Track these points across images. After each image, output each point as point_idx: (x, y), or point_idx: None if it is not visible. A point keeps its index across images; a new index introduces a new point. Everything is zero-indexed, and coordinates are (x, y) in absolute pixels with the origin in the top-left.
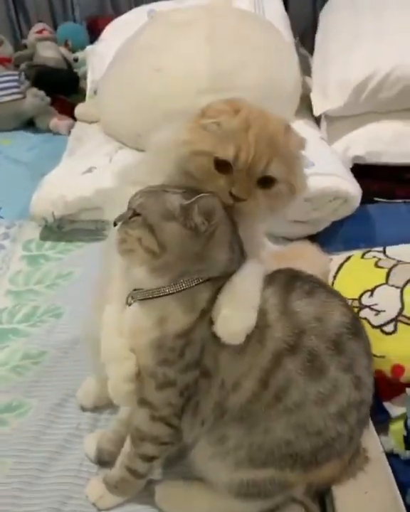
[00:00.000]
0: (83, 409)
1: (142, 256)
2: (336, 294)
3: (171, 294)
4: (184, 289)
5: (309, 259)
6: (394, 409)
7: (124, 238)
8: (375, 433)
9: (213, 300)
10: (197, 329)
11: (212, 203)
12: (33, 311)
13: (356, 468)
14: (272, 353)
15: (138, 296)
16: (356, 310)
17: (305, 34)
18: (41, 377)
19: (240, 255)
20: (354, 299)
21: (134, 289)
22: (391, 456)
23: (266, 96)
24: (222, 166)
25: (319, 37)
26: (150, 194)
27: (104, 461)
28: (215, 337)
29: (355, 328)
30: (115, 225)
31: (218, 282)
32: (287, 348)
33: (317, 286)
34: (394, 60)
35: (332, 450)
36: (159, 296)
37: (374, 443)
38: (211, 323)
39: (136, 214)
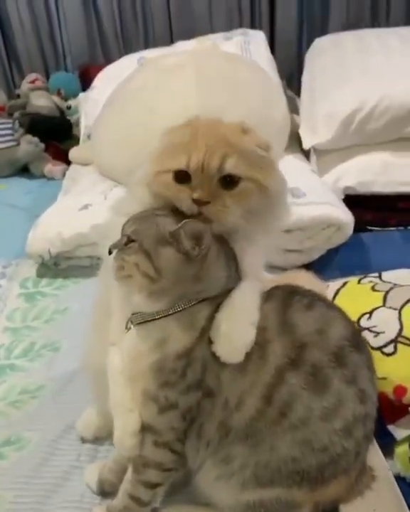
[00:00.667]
0: (83, 440)
1: (140, 281)
2: (336, 308)
3: (170, 315)
4: (182, 309)
5: (305, 285)
6: (398, 431)
7: (122, 265)
8: (380, 451)
9: (212, 317)
10: (198, 348)
11: (198, 226)
12: (31, 347)
13: (363, 486)
14: (275, 368)
15: (137, 319)
16: None
17: (291, 77)
18: (40, 411)
19: (236, 272)
20: None
21: (133, 313)
22: (398, 479)
23: None
24: (182, 177)
25: (305, 76)
26: (142, 220)
27: (106, 492)
28: (216, 355)
29: (356, 340)
30: (111, 253)
31: (217, 300)
32: (289, 363)
33: (316, 299)
34: (381, 91)
35: (338, 466)
36: (158, 318)
37: (379, 461)
38: (211, 341)
39: (130, 240)
